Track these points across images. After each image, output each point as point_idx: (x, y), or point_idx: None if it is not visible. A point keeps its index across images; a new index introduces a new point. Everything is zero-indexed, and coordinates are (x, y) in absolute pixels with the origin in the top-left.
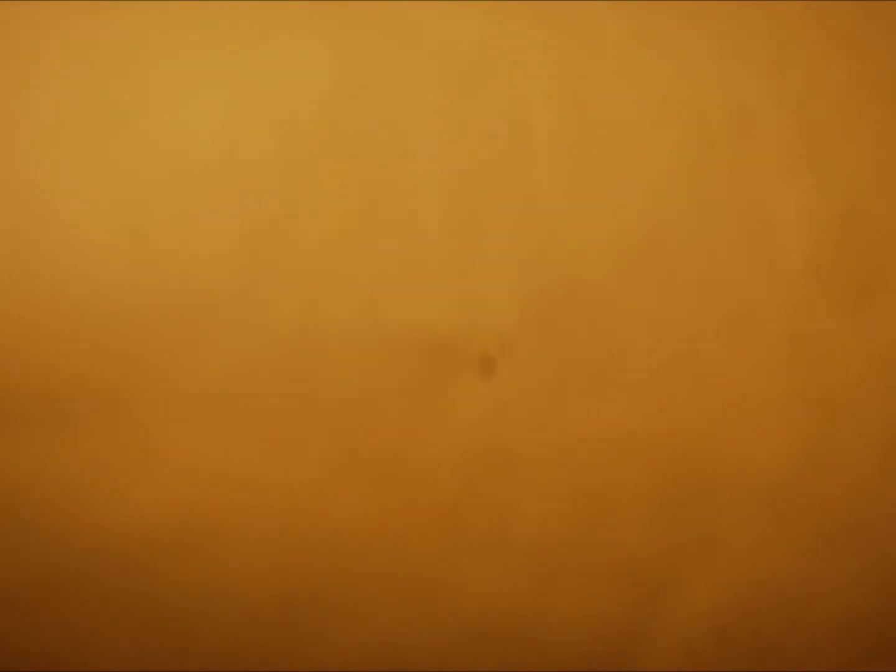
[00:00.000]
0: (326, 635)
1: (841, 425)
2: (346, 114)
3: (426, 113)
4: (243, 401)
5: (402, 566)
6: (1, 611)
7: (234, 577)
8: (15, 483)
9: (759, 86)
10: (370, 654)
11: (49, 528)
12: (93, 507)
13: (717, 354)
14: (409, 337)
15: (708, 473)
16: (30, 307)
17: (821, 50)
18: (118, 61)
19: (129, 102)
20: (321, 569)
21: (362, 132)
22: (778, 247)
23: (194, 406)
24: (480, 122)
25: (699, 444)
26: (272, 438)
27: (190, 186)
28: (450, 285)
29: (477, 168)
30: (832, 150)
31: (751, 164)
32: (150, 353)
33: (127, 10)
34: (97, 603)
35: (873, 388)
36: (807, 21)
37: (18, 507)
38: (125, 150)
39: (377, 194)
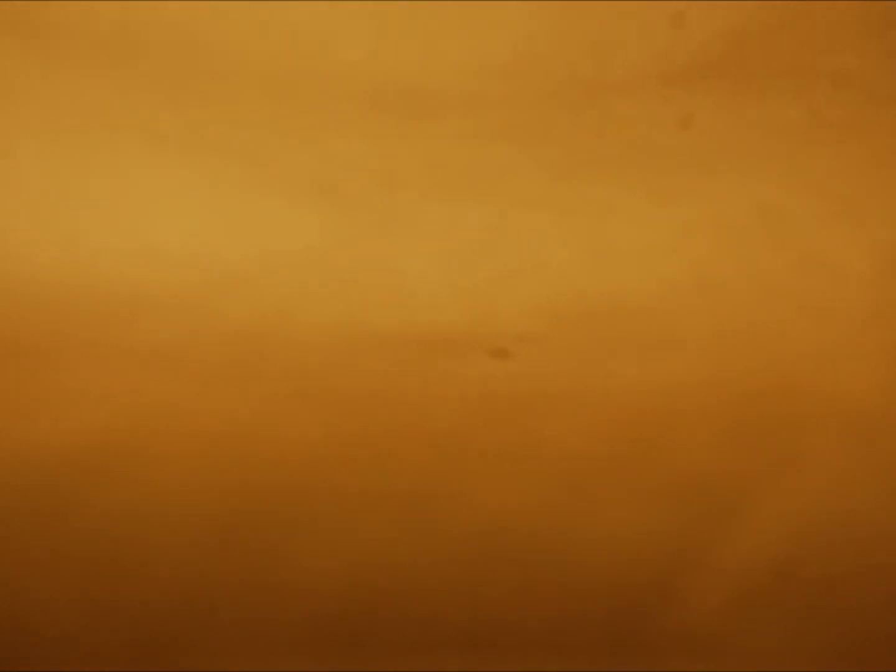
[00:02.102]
0: (290, 557)
1: None
2: (328, 262)
3: (425, 279)
4: (176, 353)
5: (388, 481)
6: None
7: (172, 497)
8: None
9: (779, 188)
10: (348, 579)
11: None
12: None
13: (790, 323)
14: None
15: (788, 404)
16: None
17: (832, 147)
18: (112, 160)
19: (109, 194)
20: (279, 485)
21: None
22: (837, 264)
23: (124, 356)
24: (487, 275)
25: (776, 382)
26: (210, 382)
27: (144, 256)
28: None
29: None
30: (865, 209)
31: (788, 239)
32: (66, 323)
33: (124, 140)
34: (13, 543)
35: None
36: (813, 131)
37: None
38: (89, 217)
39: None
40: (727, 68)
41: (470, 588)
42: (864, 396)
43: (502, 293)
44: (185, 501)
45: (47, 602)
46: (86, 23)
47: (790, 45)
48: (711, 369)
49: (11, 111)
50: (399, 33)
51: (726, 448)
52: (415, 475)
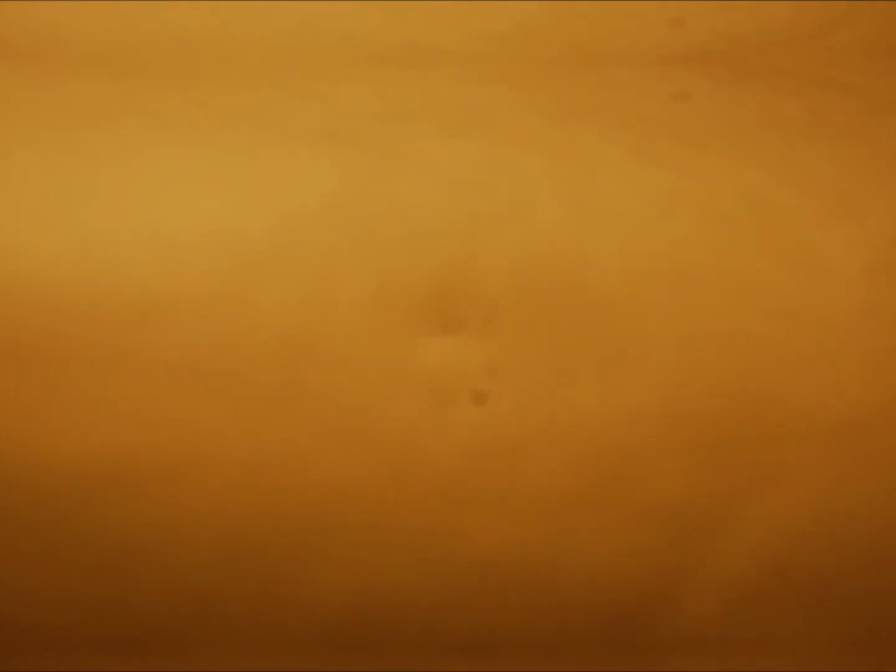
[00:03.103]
0: (308, 578)
1: None
2: (341, 212)
3: (425, 211)
4: (205, 369)
5: (396, 517)
6: None
7: (189, 516)
8: None
9: (771, 178)
10: (361, 596)
11: None
12: (22, 448)
13: (766, 330)
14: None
15: (764, 419)
16: None
17: (830, 146)
18: (114, 149)
19: (114, 184)
20: (298, 517)
21: (356, 229)
22: (826, 260)
23: (149, 369)
24: (480, 212)
25: (751, 397)
26: (241, 398)
27: (159, 246)
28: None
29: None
30: (862, 204)
31: (776, 229)
32: (96, 328)
33: (131, 125)
34: (18, 539)
35: None
36: (812, 129)
37: None
38: (98, 215)
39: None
40: (728, 60)
41: (468, 606)
42: (842, 407)
43: (491, 233)
44: (202, 521)
45: (60, 603)
46: (76, 13)
47: (792, 53)
48: (678, 388)
49: (9, 109)
50: (401, 5)
51: (703, 469)
52: (418, 513)
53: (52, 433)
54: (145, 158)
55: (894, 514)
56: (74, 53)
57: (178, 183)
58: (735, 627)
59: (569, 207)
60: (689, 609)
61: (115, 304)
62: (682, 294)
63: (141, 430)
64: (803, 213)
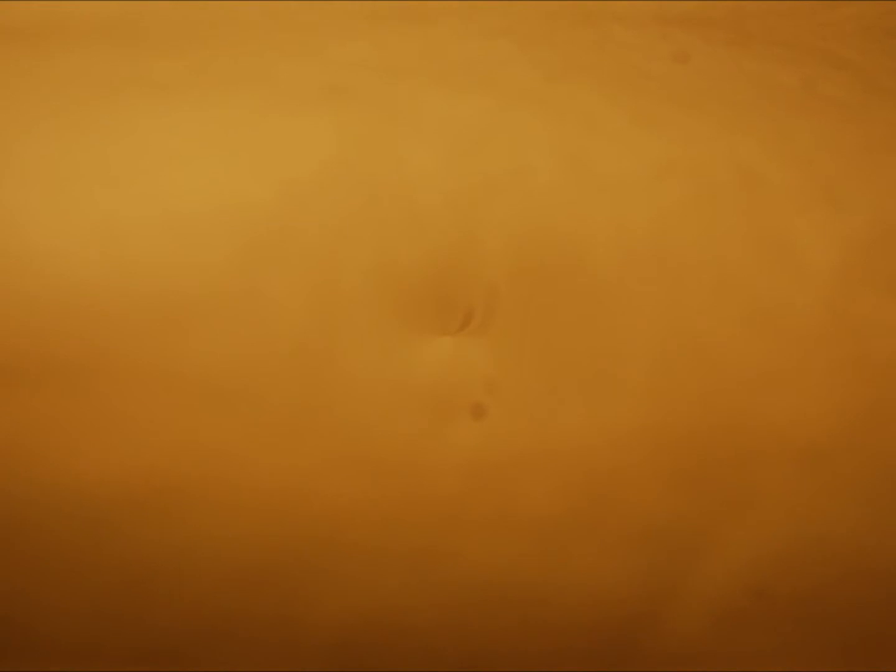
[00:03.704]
0: (314, 598)
1: (885, 387)
2: (343, 178)
3: (426, 177)
4: (226, 387)
5: (398, 538)
6: None
7: (209, 541)
8: None
9: (762, 150)
10: (364, 617)
11: (2, 488)
12: (47, 467)
13: (740, 338)
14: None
15: (739, 441)
16: (4, 303)
17: (823, 120)
18: (121, 129)
19: (125, 162)
20: (307, 538)
21: (358, 198)
22: (803, 253)
23: (174, 386)
24: (480, 178)
25: (727, 416)
26: (255, 426)
27: (173, 226)
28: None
29: (476, 217)
30: (848, 186)
31: (761, 204)
32: (122, 339)
33: (136, 93)
34: (51, 558)
35: None
36: (806, 101)
37: None
38: (114, 196)
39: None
40: (727, 26)
41: (467, 626)
42: (808, 428)
43: (489, 206)
44: (220, 545)
45: (81, 617)
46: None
47: (792, 24)
48: (657, 408)
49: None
50: None
51: (681, 494)
52: (416, 535)
53: (72, 454)
54: (150, 128)
55: (866, 533)
56: (74, 24)
57: (184, 156)
58: (717, 646)
59: (565, 169)
60: (672, 630)
61: (133, 307)
62: (662, 274)
63: (161, 450)
64: (789, 192)
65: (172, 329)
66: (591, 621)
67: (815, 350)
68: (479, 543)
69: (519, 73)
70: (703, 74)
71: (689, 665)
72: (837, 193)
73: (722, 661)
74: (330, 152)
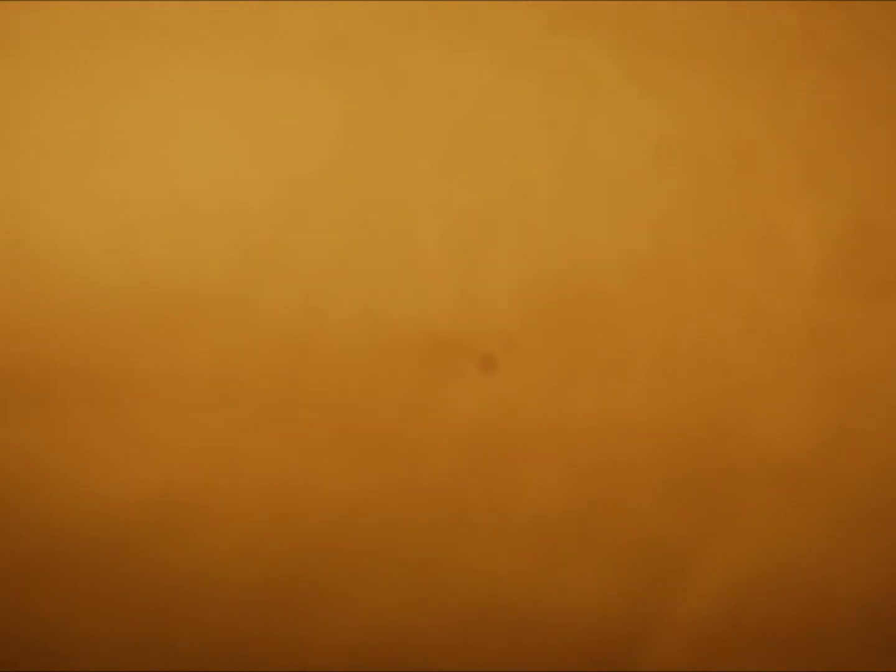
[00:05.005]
0: (322, 617)
1: (861, 406)
2: (346, 155)
3: (426, 158)
4: (230, 385)
5: (399, 547)
6: None
7: (224, 558)
8: None
9: (757, 120)
10: (367, 637)
11: (28, 512)
12: (73, 489)
13: (731, 344)
14: (409, 333)
15: (724, 455)
16: (10, 303)
17: (819, 77)
18: (120, 95)
19: (127, 133)
20: (315, 550)
21: (361, 175)
22: (789, 252)
23: (179, 389)
24: (480, 168)
25: (714, 427)
26: (261, 422)
27: (181, 210)
28: (450, 291)
29: (477, 210)
30: (837, 169)
31: (755, 190)
32: (132, 343)
33: (132, 47)
34: (80, 585)
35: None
36: (805, 49)
37: None
38: (119, 176)
39: (375, 232)
40: None
41: (468, 643)
42: (787, 445)
43: (489, 166)
44: (239, 562)
45: (97, 641)
46: None
47: None
48: (657, 411)
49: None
50: None
51: (669, 504)
52: (419, 543)
53: (100, 474)
54: (149, 83)
55: (838, 559)
56: None
57: (185, 133)
58: (700, 666)
59: (567, 179)
60: (651, 654)
61: (141, 308)
62: (666, 294)
63: (176, 464)
64: (782, 175)
65: (182, 332)
66: (574, 643)
67: (795, 357)
68: (475, 551)
69: (517, 28)
70: (703, 22)
71: None
72: (826, 178)
73: None
74: (331, 151)
